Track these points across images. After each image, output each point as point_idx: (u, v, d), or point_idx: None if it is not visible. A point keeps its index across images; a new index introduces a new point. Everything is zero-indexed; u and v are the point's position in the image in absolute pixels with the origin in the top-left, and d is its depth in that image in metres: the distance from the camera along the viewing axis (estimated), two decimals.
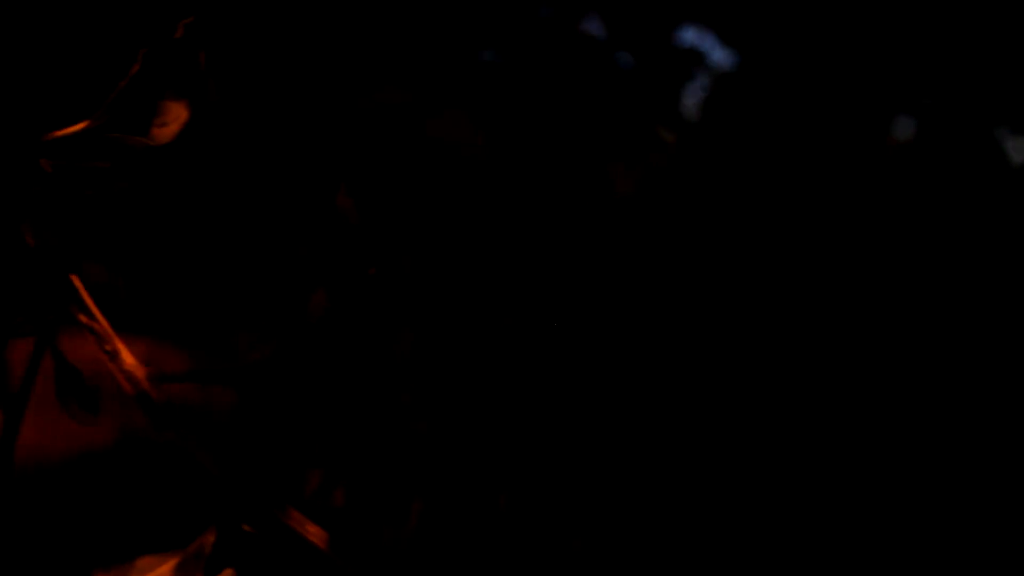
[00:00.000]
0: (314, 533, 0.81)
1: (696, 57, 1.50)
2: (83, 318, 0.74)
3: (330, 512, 0.85)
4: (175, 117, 0.79)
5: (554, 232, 0.98)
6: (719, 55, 1.56)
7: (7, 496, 0.72)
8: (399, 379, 0.88)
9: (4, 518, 0.72)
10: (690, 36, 1.54)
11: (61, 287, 0.72)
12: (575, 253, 1.01)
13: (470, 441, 0.94)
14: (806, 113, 1.59)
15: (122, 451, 0.78)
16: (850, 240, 1.53)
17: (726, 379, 1.30)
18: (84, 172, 0.70)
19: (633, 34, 1.19)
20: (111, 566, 0.73)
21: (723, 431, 1.26)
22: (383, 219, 0.83)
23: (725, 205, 1.40)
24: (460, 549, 0.91)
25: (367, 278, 0.80)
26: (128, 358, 0.75)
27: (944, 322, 1.49)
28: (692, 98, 1.52)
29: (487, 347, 0.95)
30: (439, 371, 0.95)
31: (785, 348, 1.38)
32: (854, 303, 1.50)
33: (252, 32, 0.91)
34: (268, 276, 0.81)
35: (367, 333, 0.84)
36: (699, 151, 1.41)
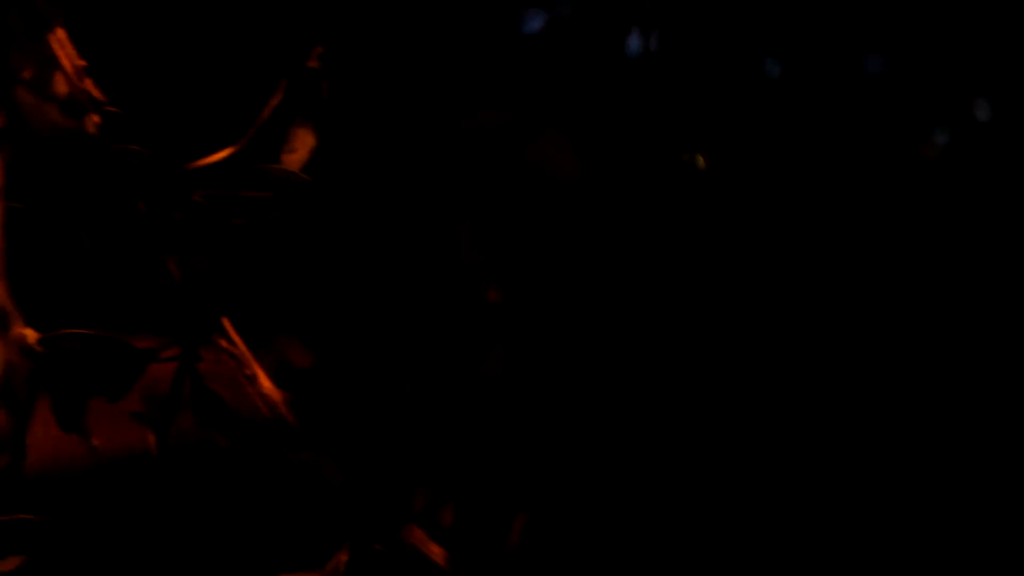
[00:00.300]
0: (435, 551, 0.83)
1: (745, 68, 1.52)
2: (224, 343, 0.76)
3: (440, 529, 0.87)
4: (303, 144, 0.81)
5: (643, 254, 1.00)
6: (755, 66, 1.58)
7: (157, 515, 0.74)
8: (495, 399, 0.90)
9: (156, 535, 0.74)
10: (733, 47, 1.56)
11: (205, 315, 0.74)
12: (667, 274, 1.03)
13: (564, 458, 0.96)
14: (844, 123, 1.61)
15: (257, 471, 0.79)
16: (886, 249, 1.55)
17: (768, 382, 1.32)
18: (235, 202, 0.72)
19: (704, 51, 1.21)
20: None
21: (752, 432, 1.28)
22: (500, 246, 0.85)
23: (761, 215, 1.43)
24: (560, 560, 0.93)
25: (488, 304, 0.82)
26: (266, 382, 0.77)
27: (981, 330, 1.51)
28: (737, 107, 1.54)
29: (579, 365, 0.97)
30: (533, 391, 0.97)
31: (814, 351, 1.40)
32: (888, 310, 1.52)
33: (358, 57, 0.93)
34: (385, 300, 0.83)
35: (463, 354, 0.86)
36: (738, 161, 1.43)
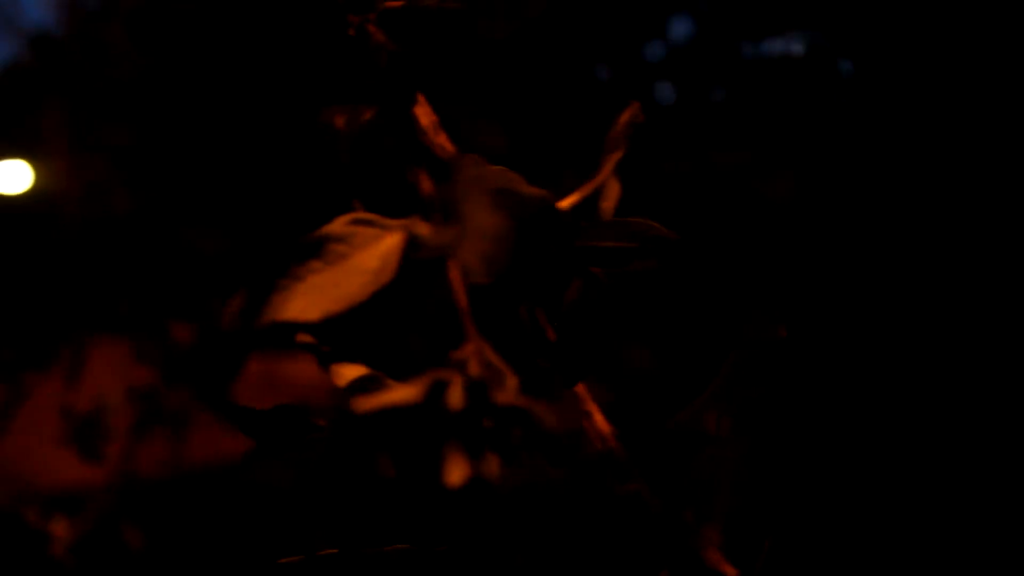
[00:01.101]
0: (730, 572, 0.88)
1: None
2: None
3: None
4: (612, 192, 0.85)
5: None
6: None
7: (493, 545, 0.78)
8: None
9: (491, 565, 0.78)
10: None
11: (567, 358, 0.78)
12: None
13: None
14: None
15: (585, 502, 0.84)
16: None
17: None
18: (593, 252, 0.77)
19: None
20: None
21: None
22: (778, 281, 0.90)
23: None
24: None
25: (777, 340, 0.87)
26: (599, 418, 0.82)
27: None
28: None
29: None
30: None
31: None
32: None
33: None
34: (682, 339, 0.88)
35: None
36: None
